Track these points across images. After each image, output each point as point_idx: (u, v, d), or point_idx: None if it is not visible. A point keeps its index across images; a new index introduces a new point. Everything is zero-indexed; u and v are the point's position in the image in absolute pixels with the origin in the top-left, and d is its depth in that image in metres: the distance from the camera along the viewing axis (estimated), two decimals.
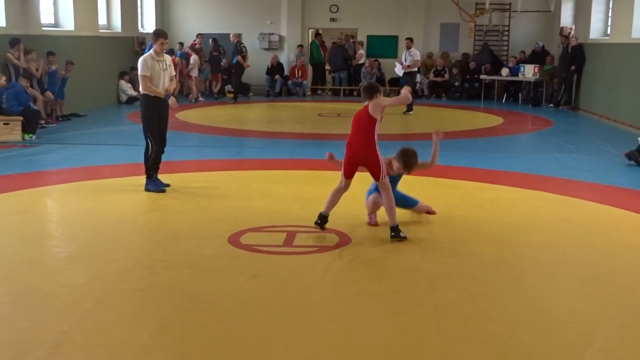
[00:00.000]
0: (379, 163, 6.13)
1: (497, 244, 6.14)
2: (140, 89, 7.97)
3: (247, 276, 5.28)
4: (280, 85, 20.81)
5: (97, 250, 5.92)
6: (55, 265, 5.58)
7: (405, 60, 16.49)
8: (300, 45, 21.13)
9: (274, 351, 4.02)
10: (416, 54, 16.53)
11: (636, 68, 14.06)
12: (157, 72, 7.88)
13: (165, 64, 8.02)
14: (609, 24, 16.63)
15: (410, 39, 16.84)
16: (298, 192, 8.04)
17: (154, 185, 7.94)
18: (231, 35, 18.96)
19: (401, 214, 6.53)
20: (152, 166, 7.96)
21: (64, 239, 6.37)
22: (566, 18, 19.50)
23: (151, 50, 8.02)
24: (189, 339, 4.15)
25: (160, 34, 8.07)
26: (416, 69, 16.86)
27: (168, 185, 7.98)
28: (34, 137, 11.72)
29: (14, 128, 11.63)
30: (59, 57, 14.03)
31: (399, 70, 16.80)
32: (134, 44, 18.93)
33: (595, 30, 17.23)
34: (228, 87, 20.40)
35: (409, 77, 16.38)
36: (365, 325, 4.39)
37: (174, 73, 8.24)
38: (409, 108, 16.00)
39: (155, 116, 7.93)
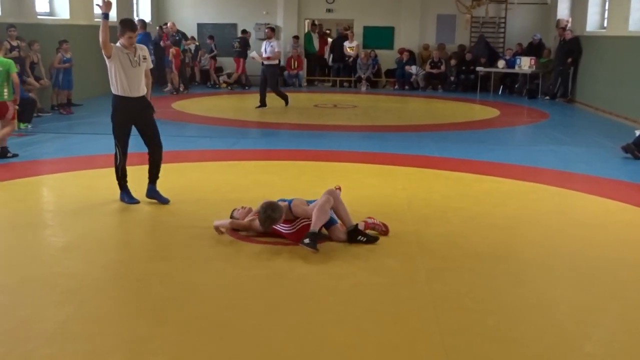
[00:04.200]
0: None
1: (494, 237, 6.13)
2: (112, 89, 6.95)
3: (243, 267, 5.28)
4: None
5: (93, 240, 5.91)
6: (53, 254, 5.56)
7: (265, 52, 14.96)
8: (296, 36, 21.08)
9: (271, 341, 4.02)
10: (277, 44, 15.16)
11: (633, 61, 14.05)
12: (126, 67, 6.73)
13: (139, 56, 6.82)
14: (606, 16, 16.62)
15: (272, 28, 15.60)
16: (294, 183, 8.03)
17: (128, 197, 7.04)
18: (169, 24, 18.55)
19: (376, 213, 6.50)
20: (122, 176, 7.06)
21: (61, 228, 6.34)
22: (563, 10, 19.48)
23: (118, 42, 6.81)
24: (186, 329, 4.14)
25: (126, 25, 6.76)
26: (277, 61, 15.39)
27: (138, 202, 6.99)
28: (29, 126, 11.67)
29: None
30: (53, 46, 14.00)
31: (255, 55, 15.46)
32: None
33: (592, 23, 17.24)
34: (224, 77, 20.47)
35: (270, 69, 15.05)
36: (363, 317, 4.38)
37: (151, 66, 7.07)
38: (286, 101, 15.37)
39: (125, 121, 6.92)
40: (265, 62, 14.98)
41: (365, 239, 5.81)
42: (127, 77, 6.77)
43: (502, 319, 4.39)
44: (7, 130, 9.25)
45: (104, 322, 4.25)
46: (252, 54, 15.84)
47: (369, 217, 6.13)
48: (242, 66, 19.74)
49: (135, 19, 14.59)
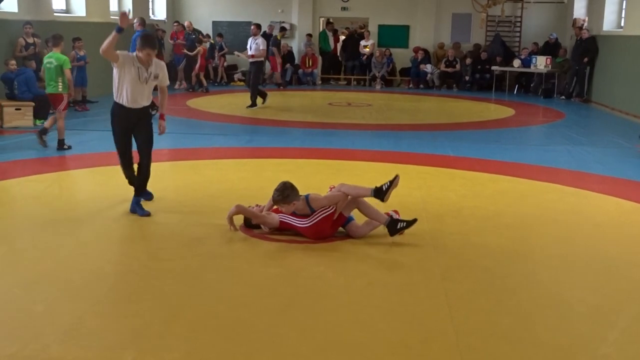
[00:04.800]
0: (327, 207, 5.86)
1: (509, 236, 6.11)
2: (114, 94, 6.45)
3: (258, 264, 5.29)
4: (290, 74, 20.79)
5: (110, 236, 5.95)
6: (69, 250, 5.59)
7: (250, 49, 14.68)
8: (309, 34, 21.09)
9: (285, 340, 4.02)
10: (262, 42, 14.68)
11: None
12: (132, 80, 6.30)
13: (151, 74, 6.38)
14: (623, 16, 16.50)
15: (257, 25, 15.06)
16: (309, 181, 8.01)
17: (137, 205, 6.64)
18: (187, 23, 18.86)
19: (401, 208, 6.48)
20: (136, 181, 6.73)
21: (77, 224, 6.36)
22: (579, 9, 19.35)
23: (134, 53, 6.45)
24: (200, 326, 4.15)
25: (147, 42, 6.31)
26: (262, 59, 15.07)
27: (148, 214, 6.52)
28: (45, 122, 11.72)
29: (25, 114, 11.68)
30: (70, 43, 14.06)
31: (240, 53, 15.77)
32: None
33: (609, 22, 17.12)
34: (238, 76, 20.51)
35: (254, 67, 14.81)
36: (377, 316, 4.38)
37: (167, 83, 6.69)
38: (264, 99, 15.03)
39: (123, 128, 6.50)
40: (250, 60, 14.86)
41: (405, 224, 5.84)
42: (131, 90, 6.35)
43: (517, 319, 4.37)
44: (60, 123, 9.68)
45: (118, 318, 4.27)
46: (236, 52, 16.17)
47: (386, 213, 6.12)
48: (278, 65, 19.84)
49: (135, 18, 14.61)
